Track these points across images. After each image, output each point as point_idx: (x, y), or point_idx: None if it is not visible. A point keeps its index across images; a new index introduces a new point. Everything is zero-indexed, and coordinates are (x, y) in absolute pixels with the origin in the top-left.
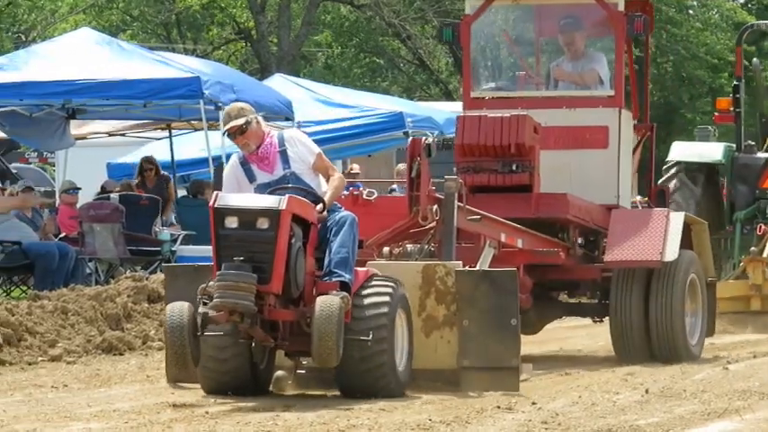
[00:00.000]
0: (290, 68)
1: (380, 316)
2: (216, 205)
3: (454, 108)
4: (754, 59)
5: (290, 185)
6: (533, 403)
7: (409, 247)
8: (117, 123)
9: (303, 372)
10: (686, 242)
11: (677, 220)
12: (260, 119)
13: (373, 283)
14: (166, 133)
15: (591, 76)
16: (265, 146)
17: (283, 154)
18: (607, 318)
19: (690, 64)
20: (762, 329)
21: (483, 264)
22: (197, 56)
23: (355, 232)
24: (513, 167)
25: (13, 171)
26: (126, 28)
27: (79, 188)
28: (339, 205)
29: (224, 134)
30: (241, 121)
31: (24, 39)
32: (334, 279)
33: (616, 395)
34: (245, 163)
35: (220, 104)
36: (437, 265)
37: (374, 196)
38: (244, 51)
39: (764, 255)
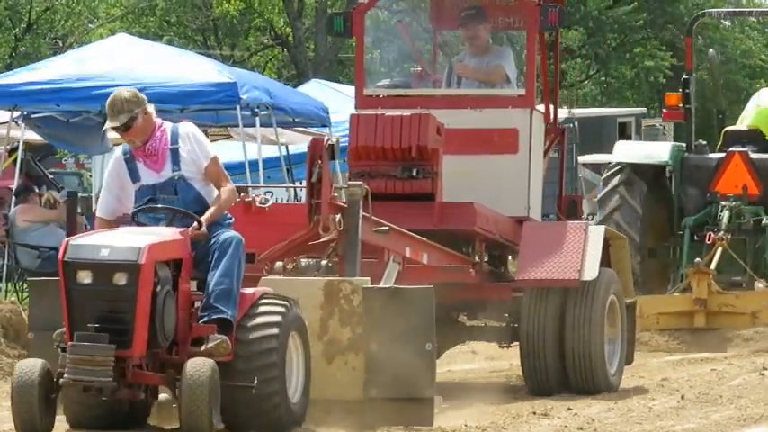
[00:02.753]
0: (327, 74)
1: (268, 340)
2: (66, 258)
3: None
4: (710, 51)
5: (167, 207)
6: (569, 409)
7: (303, 261)
8: None
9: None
10: (604, 259)
11: (597, 234)
12: (149, 108)
13: (261, 306)
14: None
15: (497, 74)
16: (154, 140)
17: (174, 153)
18: (517, 343)
19: (727, 68)
20: (700, 347)
21: (387, 281)
22: (233, 62)
23: (240, 257)
24: (414, 173)
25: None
26: (163, 34)
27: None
28: (229, 216)
29: (105, 130)
30: (123, 118)
31: (61, 45)
32: (213, 316)
33: (652, 401)
34: (130, 159)
35: (257, 110)
36: (341, 281)
37: (269, 204)
38: (281, 57)
39: (713, 266)
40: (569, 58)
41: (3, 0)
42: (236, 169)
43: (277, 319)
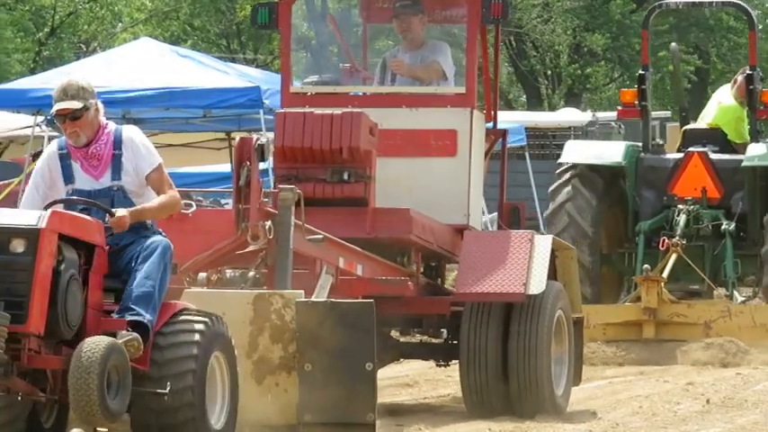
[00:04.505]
0: None
1: (185, 360)
2: None
3: (513, 117)
4: (673, 44)
5: (81, 199)
6: (594, 413)
7: (228, 272)
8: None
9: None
10: (550, 271)
11: (544, 244)
12: (100, 106)
13: (180, 319)
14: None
15: (433, 70)
16: (99, 143)
17: (116, 160)
18: (455, 361)
19: None
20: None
21: (320, 294)
22: (257, 66)
23: (167, 262)
24: (345, 176)
25: None
26: (186, 38)
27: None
28: (161, 232)
29: (50, 115)
30: (77, 104)
31: (85, 49)
32: (128, 318)
33: (677, 405)
34: (66, 156)
35: None
36: (272, 294)
37: (191, 210)
38: (304, 61)
39: (665, 273)
40: (593, 61)
41: (27, 4)
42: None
43: (196, 337)
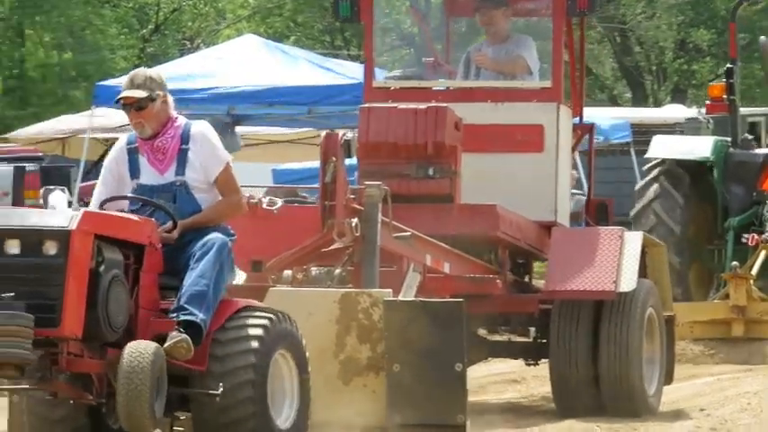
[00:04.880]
0: None
1: (245, 356)
2: None
3: (618, 114)
4: (762, 38)
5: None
6: (701, 409)
7: (314, 270)
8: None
9: (181, 430)
10: (641, 268)
11: (634, 241)
12: (169, 98)
13: (241, 317)
14: None
15: (518, 64)
16: (165, 136)
17: (183, 155)
18: (544, 360)
19: None
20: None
21: (407, 293)
22: (360, 62)
23: (223, 260)
24: (430, 172)
25: None
26: (290, 34)
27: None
28: (231, 232)
29: (116, 102)
30: (141, 93)
31: (189, 46)
32: (181, 317)
33: None
34: (133, 151)
35: None
36: (360, 293)
37: (277, 206)
38: (408, 57)
39: (754, 271)
40: (699, 57)
41: (131, 1)
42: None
43: (256, 333)
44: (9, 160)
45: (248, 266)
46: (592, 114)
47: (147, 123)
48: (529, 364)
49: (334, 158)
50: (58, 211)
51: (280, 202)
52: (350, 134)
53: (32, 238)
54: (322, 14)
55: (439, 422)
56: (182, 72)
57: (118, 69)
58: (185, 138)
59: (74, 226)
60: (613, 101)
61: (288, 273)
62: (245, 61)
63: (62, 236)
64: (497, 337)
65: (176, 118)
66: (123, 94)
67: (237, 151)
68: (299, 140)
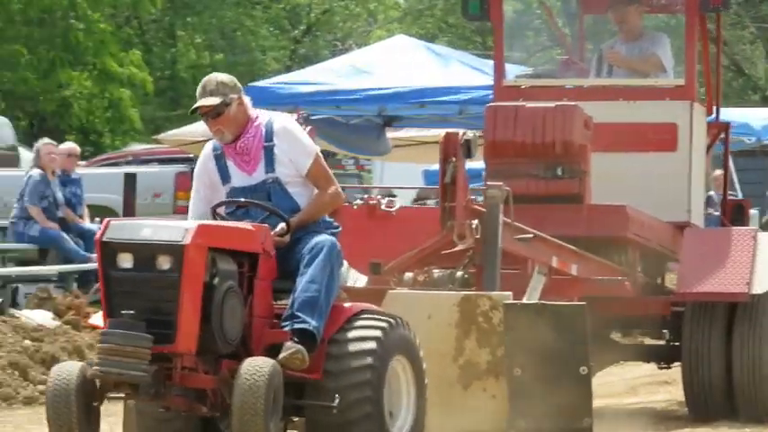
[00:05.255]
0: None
1: (361, 361)
2: (104, 238)
3: None
4: None
5: (252, 201)
6: None
7: (436, 272)
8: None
9: None
10: None
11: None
12: (245, 99)
13: (357, 322)
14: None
15: (652, 62)
16: (247, 137)
17: (269, 152)
18: (677, 364)
19: None
20: None
21: (532, 295)
22: (512, 63)
23: (333, 263)
24: (559, 172)
25: None
26: (441, 35)
27: (395, 196)
28: (335, 224)
29: (192, 113)
30: (215, 100)
31: (340, 46)
32: (294, 326)
33: None
34: (220, 156)
35: None
36: (479, 296)
37: (395, 207)
38: (559, 58)
39: None
40: None
41: (282, 2)
42: None
43: (373, 343)
44: (160, 161)
45: (366, 268)
46: (744, 114)
47: (226, 129)
48: (661, 368)
49: (453, 158)
50: (172, 223)
51: (398, 203)
52: (470, 133)
53: (145, 253)
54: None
55: (565, 426)
56: (333, 73)
57: (269, 71)
58: (269, 134)
59: (188, 240)
60: (765, 101)
61: (409, 275)
62: (396, 62)
63: (176, 250)
64: (630, 341)
65: (256, 117)
66: (198, 104)
67: (388, 153)
68: None
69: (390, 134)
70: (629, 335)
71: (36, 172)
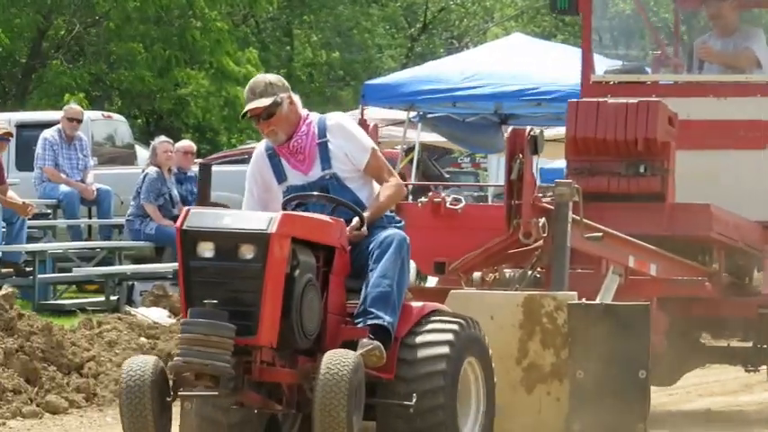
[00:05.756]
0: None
1: (435, 362)
2: (185, 226)
3: None
4: None
5: (325, 195)
6: None
7: (507, 272)
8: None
9: None
10: None
11: None
12: (295, 98)
13: (430, 323)
14: None
15: (746, 57)
16: (300, 135)
17: (323, 148)
18: (764, 367)
19: None
20: None
21: (605, 296)
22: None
23: (404, 257)
24: (641, 170)
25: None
26: (558, 33)
27: None
28: (397, 219)
29: (243, 117)
30: (266, 101)
31: (457, 44)
32: (368, 322)
33: None
34: (273, 155)
35: None
36: (543, 296)
37: (461, 205)
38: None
39: None
40: None
41: (399, 0)
42: None
43: (448, 338)
44: None
45: (431, 268)
46: None
47: (279, 129)
48: (748, 371)
49: (520, 155)
50: (253, 212)
51: (463, 201)
52: (537, 130)
53: (227, 242)
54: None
55: (620, 430)
56: (449, 71)
57: (385, 69)
58: (322, 131)
59: (273, 229)
60: None
61: (477, 274)
62: (512, 60)
63: (260, 239)
64: (718, 343)
65: (307, 115)
66: (249, 107)
67: (503, 150)
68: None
69: (506, 132)
70: (719, 337)
71: (152, 170)
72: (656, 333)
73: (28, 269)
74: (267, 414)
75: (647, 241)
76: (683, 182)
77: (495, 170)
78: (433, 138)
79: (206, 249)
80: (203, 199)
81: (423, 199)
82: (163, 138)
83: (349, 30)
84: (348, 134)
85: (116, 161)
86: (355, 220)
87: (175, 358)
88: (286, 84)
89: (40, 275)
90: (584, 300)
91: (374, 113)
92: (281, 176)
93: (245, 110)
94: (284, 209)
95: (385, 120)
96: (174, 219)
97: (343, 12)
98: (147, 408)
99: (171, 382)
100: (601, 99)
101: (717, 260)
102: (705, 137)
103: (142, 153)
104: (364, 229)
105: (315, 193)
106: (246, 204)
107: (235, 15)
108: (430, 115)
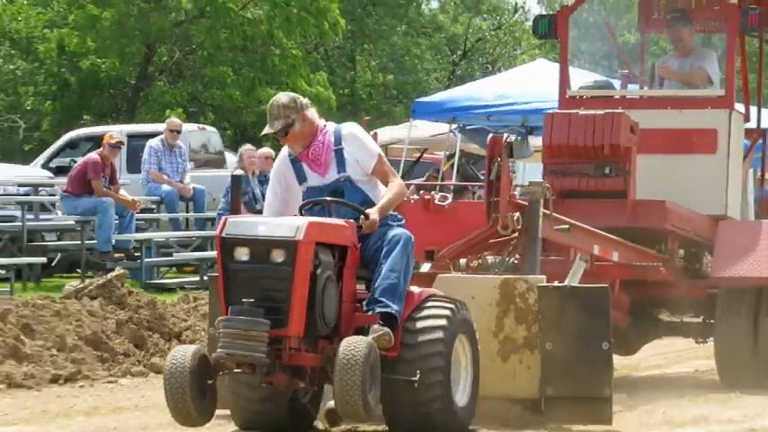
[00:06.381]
0: None
1: (433, 344)
2: (224, 234)
3: None
4: None
5: (335, 200)
6: None
7: (490, 258)
8: None
9: None
10: None
11: None
12: (309, 114)
13: (427, 308)
14: None
15: (699, 76)
16: (317, 144)
17: (339, 154)
18: (711, 339)
19: None
20: None
21: (573, 279)
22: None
23: (409, 253)
24: (607, 171)
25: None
26: (574, 59)
27: None
28: (399, 216)
29: (263, 136)
30: (279, 125)
31: (491, 68)
32: (377, 310)
33: None
34: (295, 160)
35: None
36: (517, 279)
37: (447, 202)
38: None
39: None
40: None
41: (443, 32)
42: None
43: (443, 322)
44: None
45: (421, 256)
46: None
47: (294, 144)
48: (698, 342)
49: (498, 158)
50: (283, 220)
51: (449, 198)
52: (512, 137)
53: (261, 247)
54: (603, 43)
55: (588, 395)
56: (484, 90)
57: (431, 89)
58: (337, 140)
59: (300, 236)
60: None
61: (463, 261)
62: (537, 81)
63: (290, 246)
64: (673, 319)
65: (324, 126)
66: (264, 132)
67: (529, 157)
68: None
69: (532, 141)
70: (674, 314)
71: (239, 172)
72: (620, 311)
73: (136, 254)
74: (291, 390)
75: (611, 232)
76: (643, 181)
77: (522, 173)
78: (471, 146)
79: (242, 254)
80: (235, 207)
81: (414, 197)
82: (248, 146)
83: (401, 56)
84: (360, 142)
85: (209, 165)
86: (362, 218)
87: (218, 350)
88: (299, 103)
89: (146, 259)
90: (553, 283)
91: (422, 125)
92: (301, 178)
93: (262, 132)
94: (301, 211)
95: (428, 133)
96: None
97: (396, 42)
98: (187, 391)
99: (212, 366)
100: (572, 111)
101: (671, 248)
102: (664, 143)
103: (230, 158)
104: (374, 218)
105: (328, 198)
106: (269, 202)
107: (307, 44)
108: (468, 127)
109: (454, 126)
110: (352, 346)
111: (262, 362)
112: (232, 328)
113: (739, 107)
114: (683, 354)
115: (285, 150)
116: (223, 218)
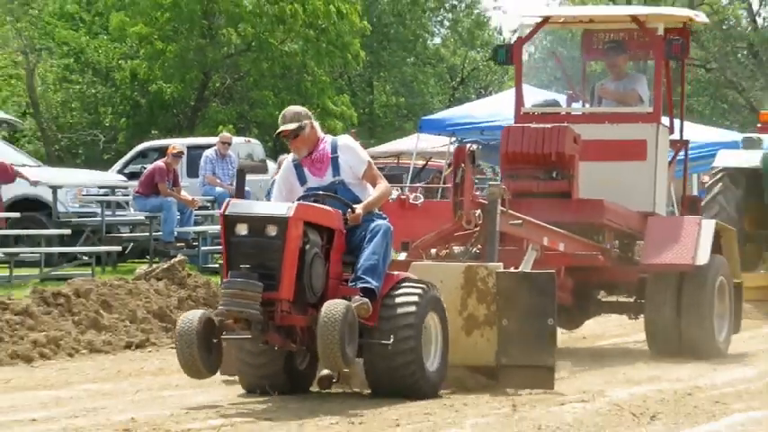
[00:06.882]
0: None
1: (406, 317)
2: (227, 212)
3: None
4: None
5: (328, 194)
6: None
7: (456, 249)
8: None
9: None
10: (716, 248)
11: (708, 227)
12: (315, 124)
13: (402, 287)
14: None
15: (632, 96)
16: (319, 151)
17: (335, 161)
18: (642, 315)
19: None
20: None
21: (525, 266)
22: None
23: (389, 241)
24: (554, 175)
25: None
26: (552, 85)
27: None
28: (382, 213)
29: (276, 136)
30: (293, 126)
31: (484, 92)
32: (359, 285)
33: None
34: (298, 166)
35: None
36: (479, 266)
37: (420, 201)
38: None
39: None
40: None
41: (445, 63)
42: None
43: (415, 298)
44: None
45: (398, 246)
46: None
47: (302, 146)
48: (631, 319)
49: (463, 165)
50: (276, 203)
51: (422, 197)
52: (474, 146)
53: (257, 223)
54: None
55: (535, 363)
56: (479, 110)
57: (435, 108)
58: (334, 149)
59: (290, 214)
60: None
61: (434, 251)
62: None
63: (282, 221)
64: (611, 299)
65: (324, 137)
66: (280, 129)
67: None
68: None
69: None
70: (611, 294)
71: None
72: (565, 292)
73: (194, 244)
74: (285, 354)
75: (557, 226)
76: (585, 184)
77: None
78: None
79: (242, 229)
80: (240, 194)
81: (393, 197)
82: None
83: (411, 82)
84: (353, 152)
85: (254, 171)
86: (350, 210)
87: (219, 307)
88: (309, 113)
89: (202, 248)
90: (509, 269)
91: (427, 138)
92: (302, 180)
93: (278, 130)
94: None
95: (432, 145)
96: None
97: (406, 70)
98: (194, 349)
99: (217, 326)
100: (526, 125)
101: (608, 239)
102: (602, 151)
103: (271, 166)
104: (359, 212)
105: (321, 192)
106: (275, 197)
107: (334, 72)
108: (465, 140)
109: (453, 139)
110: (333, 306)
111: (256, 318)
112: (231, 288)
113: (665, 121)
114: (619, 329)
115: (290, 158)
116: (227, 200)
